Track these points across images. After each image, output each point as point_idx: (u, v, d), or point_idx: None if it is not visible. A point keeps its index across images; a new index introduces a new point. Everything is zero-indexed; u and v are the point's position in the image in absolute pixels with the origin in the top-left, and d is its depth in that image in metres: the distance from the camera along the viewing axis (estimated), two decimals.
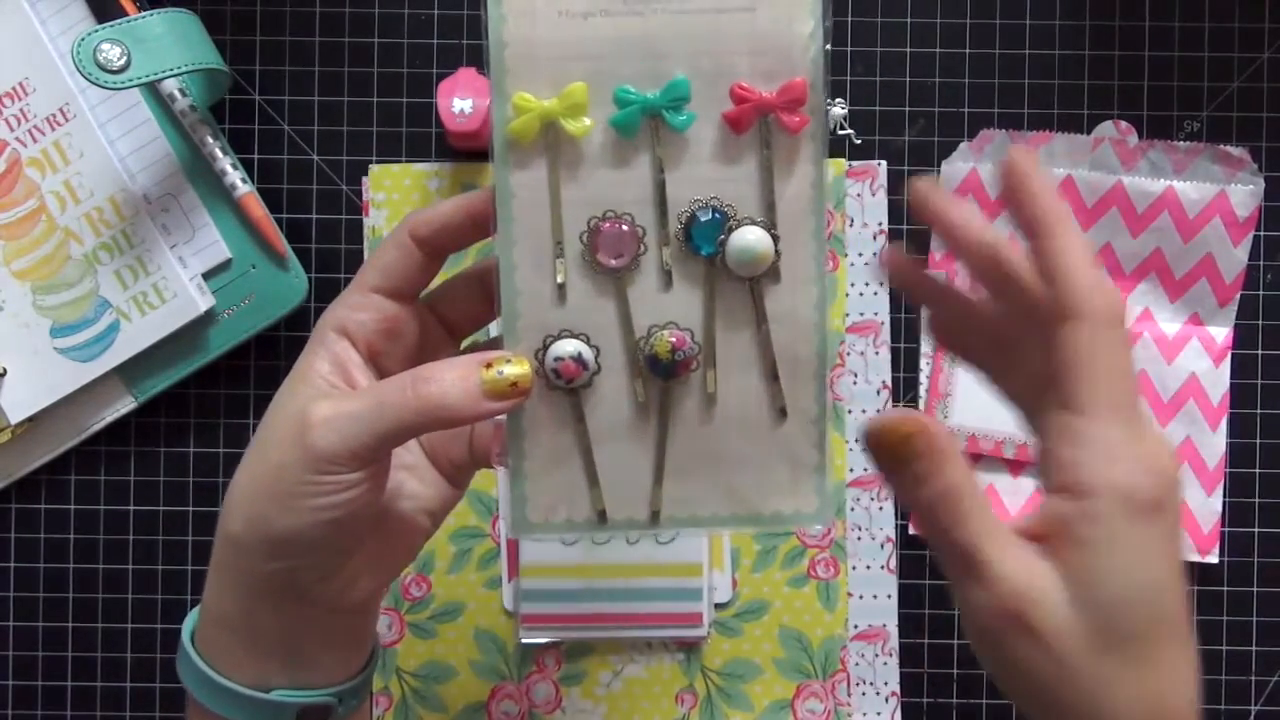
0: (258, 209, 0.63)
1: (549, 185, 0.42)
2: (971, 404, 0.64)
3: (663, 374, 0.43)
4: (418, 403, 0.40)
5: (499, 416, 0.43)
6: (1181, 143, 0.65)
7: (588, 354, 0.42)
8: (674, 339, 0.42)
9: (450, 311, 0.47)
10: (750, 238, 0.42)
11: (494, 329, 0.49)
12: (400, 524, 0.46)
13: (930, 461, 0.38)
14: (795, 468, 0.43)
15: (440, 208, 0.44)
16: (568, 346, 0.42)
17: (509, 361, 0.41)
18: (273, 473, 0.41)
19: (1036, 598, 0.37)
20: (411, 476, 0.47)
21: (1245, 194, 0.65)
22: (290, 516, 0.41)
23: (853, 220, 0.65)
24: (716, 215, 0.42)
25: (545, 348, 0.42)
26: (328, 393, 0.42)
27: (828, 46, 0.42)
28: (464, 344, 0.48)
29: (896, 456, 0.39)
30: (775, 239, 0.42)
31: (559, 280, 0.42)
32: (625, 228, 0.42)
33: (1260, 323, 0.66)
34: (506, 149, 0.42)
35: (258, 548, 0.42)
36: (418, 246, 0.44)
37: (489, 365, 0.41)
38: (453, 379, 0.41)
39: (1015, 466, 0.65)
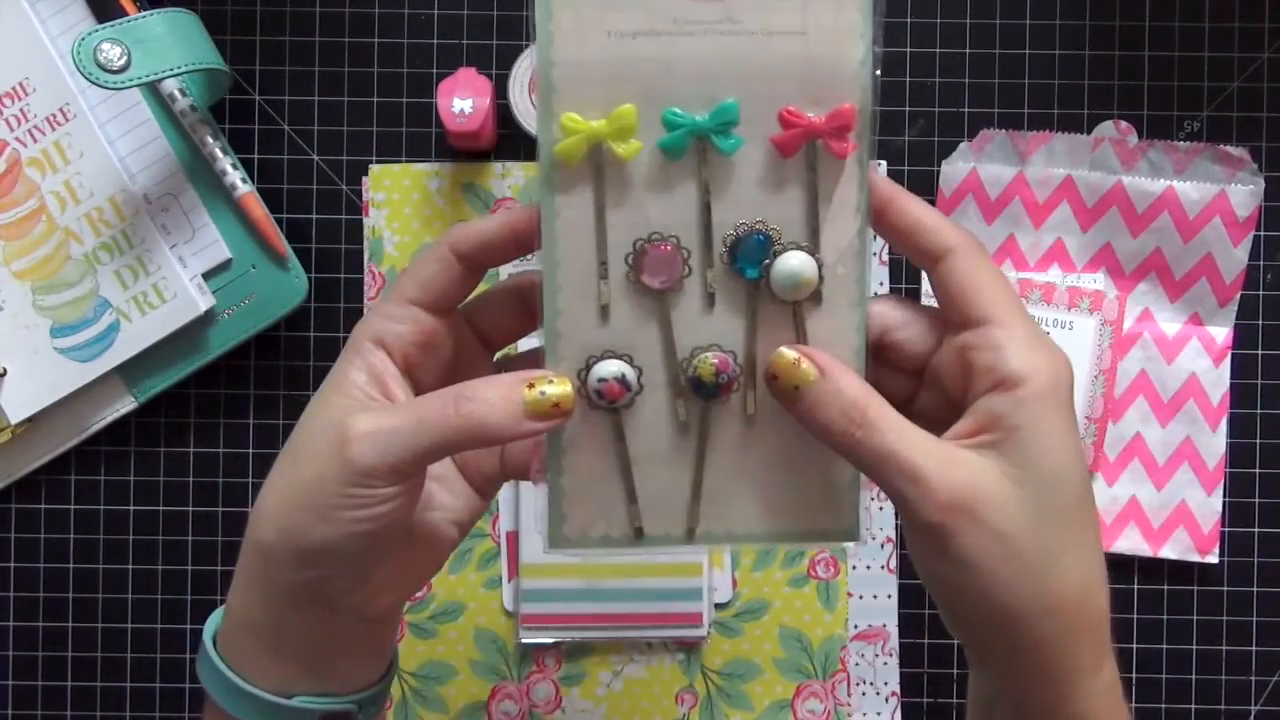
0: (258, 209, 0.63)
1: (594, 206, 0.42)
2: None
3: (705, 395, 0.43)
4: (459, 421, 0.40)
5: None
6: (1181, 143, 0.65)
7: (630, 375, 0.42)
8: (717, 361, 0.42)
9: (485, 324, 0.47)
10: (795, 263, 0.42)
11: (524, 343, 0.49)
12: (429, 534, 0.46)
13: (823, 382, 0.41)
14: (830, 486, 0.44)
15: (483, 224, 0.44)
16: (611, 367, 0.42)
17: (551, 381, 0.41)
18: (309, 484, 0.41)
19: (980, 487, 0.40)
20: (441, 487, 0.47)
21: (1245, 194, 0.65)
22: (325, 528, 0.41)
23: None
24: (761, 239, 0.42)
25: (588, 368, 0.42)
26: (366, 405, 0.42)
27: (878, 72, 0.42)
28: (496, 356, 0.48)
29: (792, 382, 0.41)
30: (819, 264, 0.42)
31: (603, 301, 0.42)
32: (670, 250, 0.42)
33: (1260, 323, 0.66)
34: (553, 169, 0.42)
35: (290, 558, 0.42)
36: (458, 261, 0.44)
37: (531, 385, 0.41)
38: (495, 398, 0.41)
39: None
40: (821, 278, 0.42)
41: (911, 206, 0.43)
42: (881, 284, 0.65)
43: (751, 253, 0.42)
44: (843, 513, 0.44)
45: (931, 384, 0.44)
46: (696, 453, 0.43)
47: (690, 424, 0.43)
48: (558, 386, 0.41)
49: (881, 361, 0.44)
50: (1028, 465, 0.40)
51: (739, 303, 0.43)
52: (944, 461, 0.40)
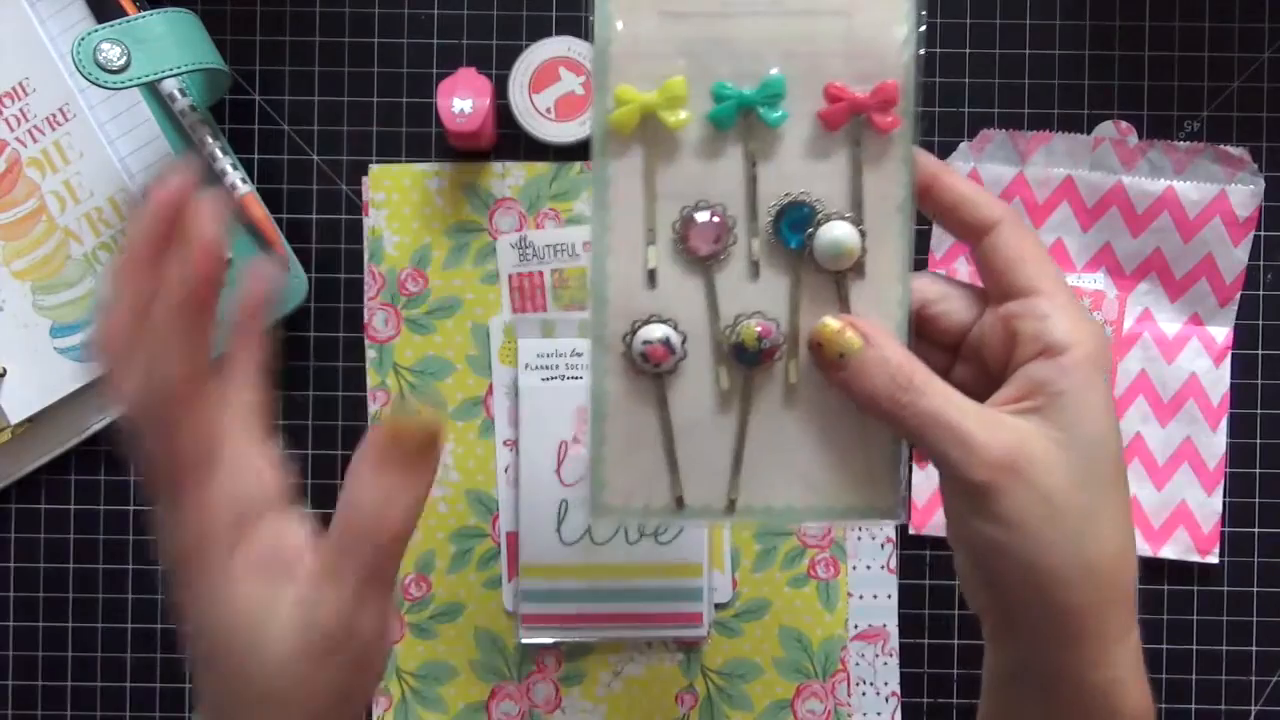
0: (258, 209, 0.63)
1: (644, 175, 0.44)
2: None
3: (748, 362, 0.44)
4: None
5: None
6: (1181, 143, 0.65)
7: (675, 339, 0.43)
8: (760, 328, 0.43)
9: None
10: (838, 232, 0.43)
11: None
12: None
13: (868, 349, 0.42)
14: (871, 462, 0.44)
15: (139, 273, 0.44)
16: (656, 331, 0.43)
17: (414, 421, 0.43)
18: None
19: (1026, 448, 0.41)
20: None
21: (1245, 194, 0.64)
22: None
23: None
24: (806, 209, 0.43)
25: (633, 332, 0.43)
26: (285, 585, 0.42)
27: (921, 51, 0.43)
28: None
29: (836, 349, 0.42)
30: (862, 234, 0.43)
31: (650, 267, 0.43)
32: (717, 218, 0.43)
33: (1260, 323, 0.66)
34: (606, 139, 0.43)
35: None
36: (190, 313, 0.44)
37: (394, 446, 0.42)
38: (379, 496, 0.42)
39: None
40: (864, 249, 0.43)
41: (956, 181, 0.44)
42: None
43: (796, 223, 0.43)
44: (883, 491, 0.45)
45: (968, 357, 0.45)
46: (738, 423, 0.44)
47: (732, 393, 0.44)
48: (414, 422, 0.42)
49: (918, 335, 0.45)
50: (1071, 429, 0.41)
51: (783, 272, 0.44)
52: (990, 424, 0.41)
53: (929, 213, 0.45)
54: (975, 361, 0.45)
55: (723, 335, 0.44)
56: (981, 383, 0.44)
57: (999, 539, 0.41)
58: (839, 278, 0.43)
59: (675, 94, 0.43)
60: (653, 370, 0.43)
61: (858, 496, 0.44)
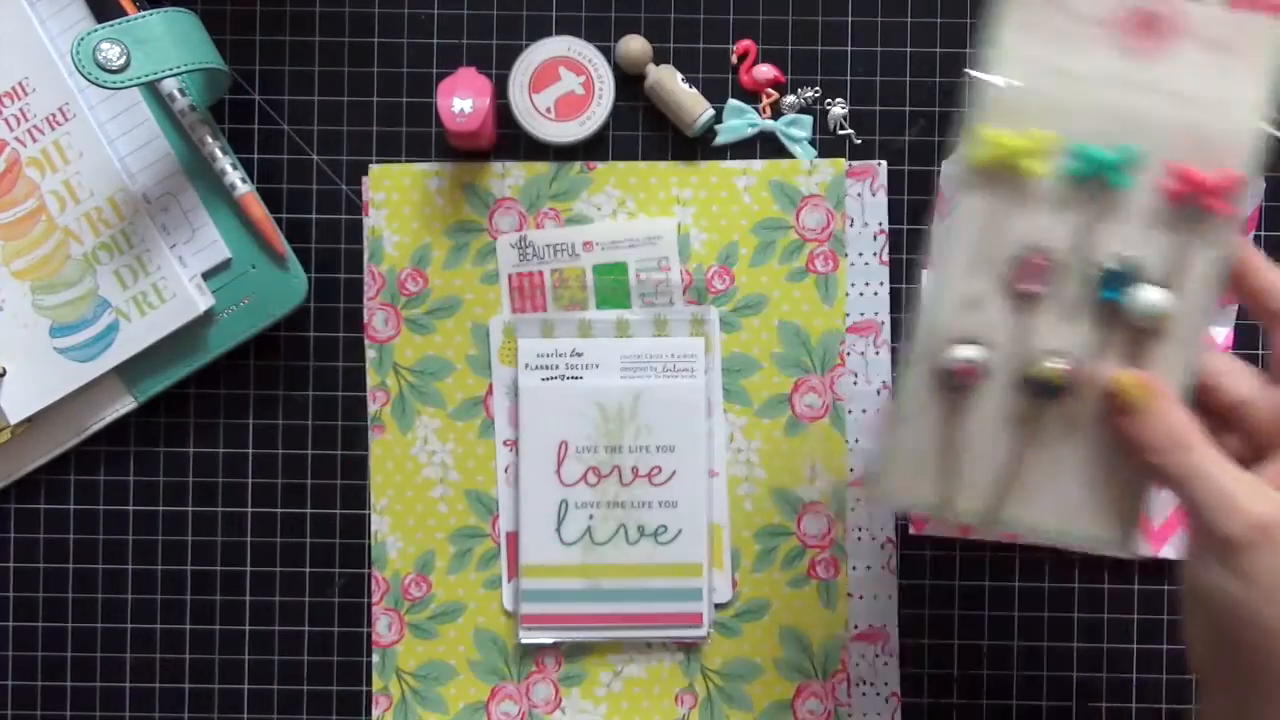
0: (257, 209, 0.63)
1: (992, 212, 0.48)
2: None
3: (1046, 396, 0.49)
4: None
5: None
6: None
7: (984, 361, 0.49)
8: (1065, 367, 0.48)
9: None
10: (1154, 297, 0.48)
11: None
12: None
13: (1156, 404, 0.47)
14: (1122, 501, 0.49)
15: None
16: (969, 352, 0.49)
17: None
18: None
19: None
20: None
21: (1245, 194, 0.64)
22: None
23: (853, 220, 0.65)
24: (1128, 269, 0.48)
25: (949, 347, 0.49)
26: None
27: (1264, 146, 0.47)
28: None
29: (1129, 399, 0.47)
30: (1173, 301, 0.47)
31: (978, 294, 0.49)
32: (1047, 262, 0.48)
33: (1260, 323, 0.65)
34: (969, 173, 0.48)
35: None
36: None
37: None
38: None
39: None
40: (1172, 315, 0.48)
41: (1266, 270, 0.48)
42: (882, 284, 0.65)
43: (1117, 280, 0.48)
44: (1127, 526, 0.49)
45: (1236, 428, 0.49)
46: (1020, 446, 0.49)
47: (1021, 419, 0.49)
48: None
49: (1196, 400, 0.49)
50: None
51: (1094, 321, 0.48)
52: (1253, 490, 0.45)
53: (1235, 293, 0.49)
54: (1243, 432, 0.49)
55: (1027, 367, 0.49)
56: (1244, 453, 0.48)
57: (1241, 596, 0.44)
58: (1143, 336, 0.48)
59: (1042, 145, 0.48)
60: (957, 385, 0.49)
61: (1104, 528, 0.49)
